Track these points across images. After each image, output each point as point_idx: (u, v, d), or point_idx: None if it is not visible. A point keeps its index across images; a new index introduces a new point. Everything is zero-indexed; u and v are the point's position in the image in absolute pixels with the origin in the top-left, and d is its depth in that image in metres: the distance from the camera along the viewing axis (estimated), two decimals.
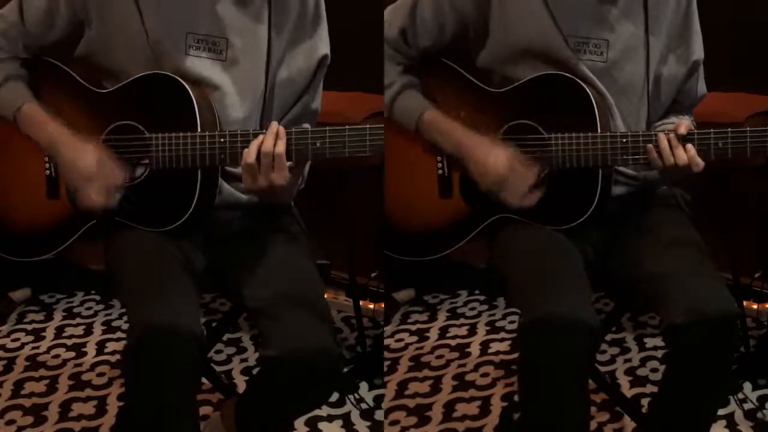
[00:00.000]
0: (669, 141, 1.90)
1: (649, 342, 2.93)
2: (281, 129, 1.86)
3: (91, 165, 1.92)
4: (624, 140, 1.93)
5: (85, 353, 2.96)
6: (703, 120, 2.19)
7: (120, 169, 1.93)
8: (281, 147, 1.85)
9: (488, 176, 1.99)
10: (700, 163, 1.90)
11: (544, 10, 1.99)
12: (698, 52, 2.09)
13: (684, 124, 1.92)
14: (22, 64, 2.02)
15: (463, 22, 2.07)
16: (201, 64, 1.98)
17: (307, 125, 2.07)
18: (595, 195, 1.96)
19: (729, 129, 1.88)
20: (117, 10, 1.96)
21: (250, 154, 1.85)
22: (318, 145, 1.87)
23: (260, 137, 1.86)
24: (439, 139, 2.06)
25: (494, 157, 1.98)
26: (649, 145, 1.92)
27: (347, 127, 1.86)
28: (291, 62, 2.04)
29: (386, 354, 2.93)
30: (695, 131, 1.91)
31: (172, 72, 1.95)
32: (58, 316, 3.22)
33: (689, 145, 1.90)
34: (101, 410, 2.64)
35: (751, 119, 2.54)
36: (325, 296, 2.01)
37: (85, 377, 2.82)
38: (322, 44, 2.07)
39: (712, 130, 1.89)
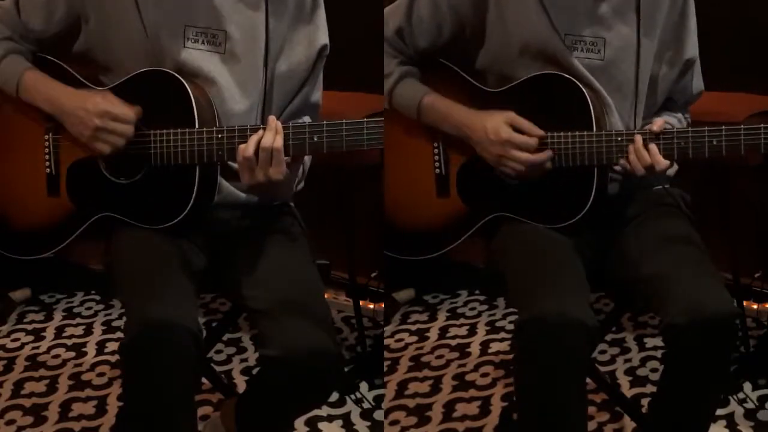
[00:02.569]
0: (635, 146, 1.91)
1: (649, 342, 2.92)
2: (279, 124, 1.87)
3: (99, 106, 1.92)
4: (619, 138, 1.94)
5: (85, 353, 2.96)
6: (703, 119, 2.19)
7: (128, 107, 1.93)
8: (279, 142, 1.85)
9: (493, 145, 1.99)
10: (662, 162, 1.91)
11: (540, 9, 1.99)
12: (692, 50, 2.09)
13: (657, 123, 1.93)
14: (20, 46, 2.03)
15: (460, 22, 2.07)
16: (200, 57, 1.97)
17: (307, 118, 2.08)
18: (591, 193, 1.96)
19: (723, 126, 1.89)
20: (114, 4, 1.96)
21: (248, 149, 1.85)
22: (315, 139, 1.87)
23: (259, 132, 1.87)
24: (439, 122, 2.06)
25: (493, 124, 1.98)
26: (623, 161, 1.93)
27: (344, 121, 1.86)
28: (290, 53, 2.04)
29: (386, 354, 2.93)
30: (690, 129, 1.91)
31: (171, 65, 1.95)
32: (58, 316, 3.22)
33: (652, 146, 1.90)
34: (101, 410, 2.64)
35: (751, 119, 2.53)
36: (325, 296, 2.01)
37: (85, 377, 2.82)
38: (321, 34, 2.07)
39: (706, 127, 1.90)
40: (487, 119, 2.00)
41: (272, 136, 1.85)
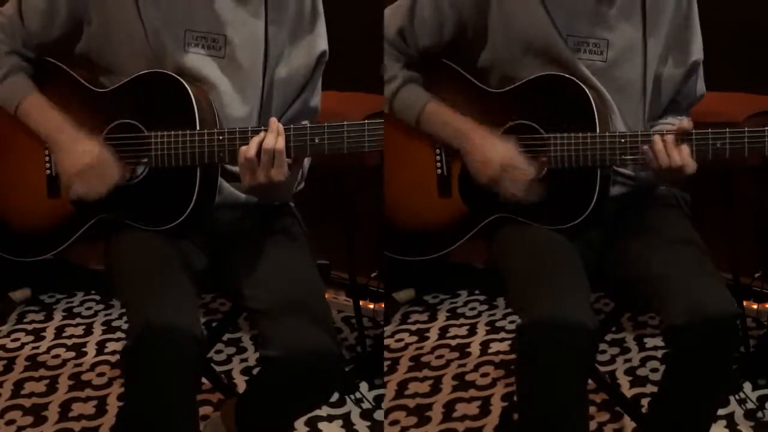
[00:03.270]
0: (665, 142, 1.91)
1: (649, 342, 2.93)
2: (280, 125, 1.87)
3: (90, 155, 1.92)
4: (623, 140, 1.94)
5: (85, 353, 2.96)
6: (702, 120, 2.19)
7: (117, 164, 1.93)
8: (281, 143, 1.85)
9: (487, 168, 1.99)
10: (692, 164, 1.90)
11: (542, 10, 1.99)
12: (698, 52, 2.09)
13: (683, 125, 1.92)
14: (24, 59, 2.02)
15: (462, 22, 2.07)
16: (200, 62, 1.98)
17: (306, 123, 2.08)
18: (594, 195, 1.96)
19: (727, 129, 1.89)
20: (116, 8, 1.96)
21: (249, 150, 1.85)
22: (317, 141, 1.87)
23: (261, 134, 1.87)
24: (440, 131, 2.06)
25: (494, 150, 1.99)
26: (645, 147, 1.92)
27: (345, 123, 1.86)
28: (290, 60, 2.05)
29: (386, 354, 2.93)
30: (693, 132, 1.91)
31: (172, 69, 1.95)
32: (58, 316, 3.22)
33: (684, 146, 1.90)
34: (101, 410, 2.64)
35: (751, 119, 2.54)
36: (326, 296, 2.00)
37: (85, 377, 2.82)
38: (320, 40, 2.07)
39: (710, 130, 1.90)
40: (490, 146, 1.99)
41: (274, 138, 1.85)
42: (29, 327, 3.15)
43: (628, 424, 2.50)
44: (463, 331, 3.09)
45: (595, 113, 1.95)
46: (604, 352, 2.87)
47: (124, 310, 1.91)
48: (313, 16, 2.06)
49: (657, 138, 1.91)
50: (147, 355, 1.78)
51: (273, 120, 1.88)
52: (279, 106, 2.05)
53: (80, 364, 2.89)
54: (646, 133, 1.94)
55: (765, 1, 2.82)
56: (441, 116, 2.06)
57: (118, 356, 2.90)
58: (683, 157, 1.89)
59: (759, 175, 2.58)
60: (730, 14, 2.82)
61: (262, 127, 1.88)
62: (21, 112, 1.98)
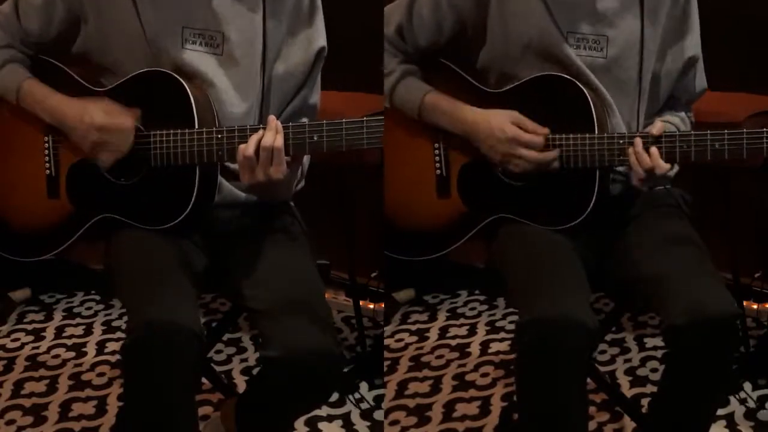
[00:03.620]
0: (634, 145, 1.91)
1: (649, 342, 2.93)
2: (279, 123, 1.87)
3: (100, 116, 1.93)
4: (621, 141, 1.94)
5: (85, 353, 2.96)
6: (703, 120, 2.19)
7: (129, 113, 1.93)
8: (279, 141, 1.85)
9: (499, 143, 1.99)
10: (663, 165, 1.91)
11: (542, 8, 1.99)
12: (695, 48, 2.09)
13: (656, 127, 1.93)
14: (21, 53, 2.03)
15: (461, 21, 2.07)
16: (198, 59, 1.98)
17: (305, 120, 2.08)
18: (593, 195, 1.96)
19: (726, 131, 1.89)
20: (113, 6, 1.96)
21: (248, 148, 1.85)
22: (315, 138, 1.87)
23: (260, 132, 1.87)
24: (442, 120, 2.06)
25: (499, 122, 1.98)
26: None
27: (344, 120, 1.86)
28: (288, 56, 2.05)
29: (386, 354, 2.93)
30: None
31: (170, 67, 1.95)
32: (58, 316, 3.22)
33: (653, 149, 1.90)
34: (101, 410, 2.64)
35: (751, 119, 2.53)
36: (325, 296, 2.00)
37: (85, 377, 2.82)
38: (319, 37, 2.07)
39: (708, 131, 1.90)
40: (492, 117, 2.00)
41: (273, 136, 1.85)
42: (29, 327, 3.15)
43: (628, 424, 2.50)
44: (463, 331, 3.09)
45: (594, 114, 1.95)
46: (604, 352, 2.87)
47: (124, 310, 1.90)
48: (311, 11, 2.06)
49: (630, 150, 1.92)
50: (146, 354, 1.78)
51: (272, 118, 1.88)
52: (278, 103, 2.05)
53: (80, 364, 2.89)
54: (643, 134, 1.94)
55: (766, 1, 2.82)
56: (441, 105, 2.06)
57: (118, 356, 2.90)
58: (653, 159, 1.90)
59: (759, 174, 2.58)
60: (731, 14, 2.82)
61: (261, 126, 1.88)
62: (21, 98, 1.99)
